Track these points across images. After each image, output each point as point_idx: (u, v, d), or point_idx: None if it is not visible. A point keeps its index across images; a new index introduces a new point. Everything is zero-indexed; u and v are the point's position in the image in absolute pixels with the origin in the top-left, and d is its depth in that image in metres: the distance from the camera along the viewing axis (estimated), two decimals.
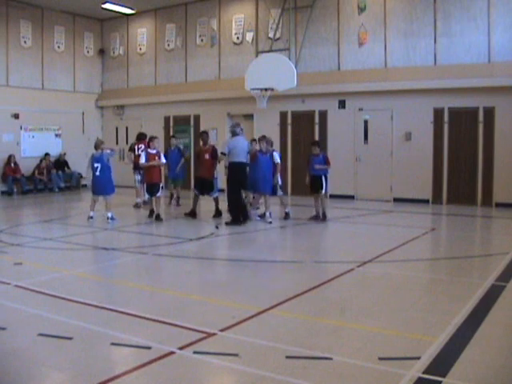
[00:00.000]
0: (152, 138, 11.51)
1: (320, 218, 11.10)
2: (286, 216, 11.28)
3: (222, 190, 13.10)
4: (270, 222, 10.74)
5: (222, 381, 4.04)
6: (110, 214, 10.99)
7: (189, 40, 17.73)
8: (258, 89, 14.27)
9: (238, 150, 10.69)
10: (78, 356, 4.22)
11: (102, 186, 11.02)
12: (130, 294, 6.19)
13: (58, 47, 18.36)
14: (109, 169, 11.10)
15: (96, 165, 10.94)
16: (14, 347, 4.37)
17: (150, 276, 7.23)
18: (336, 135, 15.10)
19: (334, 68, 15.09)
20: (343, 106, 15.08)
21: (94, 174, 11.12)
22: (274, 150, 11.38)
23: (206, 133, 12.29)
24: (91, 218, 11.10)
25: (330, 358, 4.09)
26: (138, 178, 13.36)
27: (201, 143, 12.19)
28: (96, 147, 11.20)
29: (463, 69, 13.05)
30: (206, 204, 12.59)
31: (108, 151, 11.23)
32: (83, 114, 19.18)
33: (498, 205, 12.98)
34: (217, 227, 10.18)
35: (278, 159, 11.08)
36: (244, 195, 11.36)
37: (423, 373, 3.83)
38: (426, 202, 13.89)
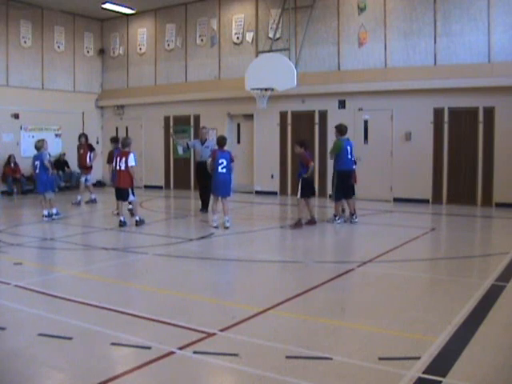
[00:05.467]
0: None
1: (314, 220, 10.63)
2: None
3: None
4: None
5: (222, 381, 4.04)
6: (54, 210, 11.35)
7: (189, 40, 17.73)
8: (258, 89, 14.27)
9: None
10: (78, 356, 4.22)
11: (41, 184, 11.39)
12: (130, 293, 6.19)
13: (58, 47, 18.36)
14: (46, 169, 11.32)
15: (36, 162, 11.26)
16: (14, 347, 4.37)
17: (150, 276, 7.22)
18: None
19: (334, 68, 15.09)
20: (343, 106, 15.08)
21: (34, 172, 11.55)
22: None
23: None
24: (45, 216, 11.26)
25: (330, 358, 4.09)
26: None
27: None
28: (37, 149, 11.36)
29: (463, 69, 13.05)
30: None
31: (46, 153, 11.55)
32: (83, 114, 19.18)
33: (497, 205, 12.97)
34: (216, 227, 10.17)
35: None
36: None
37: (423, 373, 3.83)
38: (426, 202, 13.88)
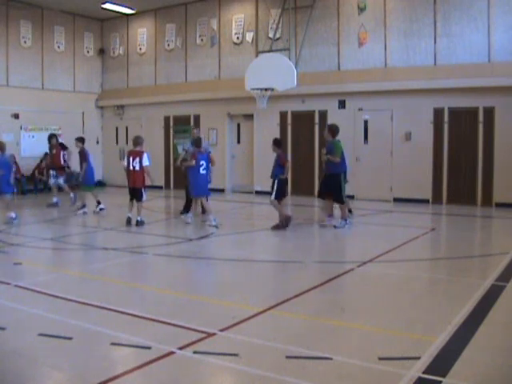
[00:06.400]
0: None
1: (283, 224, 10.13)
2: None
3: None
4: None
5: (222, 381, 4.04)
6: (12, 215, 10.90)
7: (189, 40, 17.72)
8: (258, 89, 14.26)
9: None
10: (77, 356, 4.22)
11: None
12: (130, 293, 6.19)
13: (58, 47, 18.36)
14: (8, 170, 11.19)
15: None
16: (14, 347, 4.37)
17: (150, 276, 7.23)
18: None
19: (334, 68, 15.08)
20: (343, 106, 15.08)
21: None
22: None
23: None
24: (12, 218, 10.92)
25: (330, 358, 4.09)
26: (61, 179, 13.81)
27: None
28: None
29: (463, 69, 13.05)
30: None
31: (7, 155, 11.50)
32: (83, 113, 19.18)
33: (497, 205, 12.97)
34: (217, 227, 10.17)
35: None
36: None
37: (423, 373, 3.83)
38: (426, 202, 13.88)
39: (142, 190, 10.56)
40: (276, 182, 10.04)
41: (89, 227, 10.74)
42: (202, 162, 10.44)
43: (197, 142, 10.81)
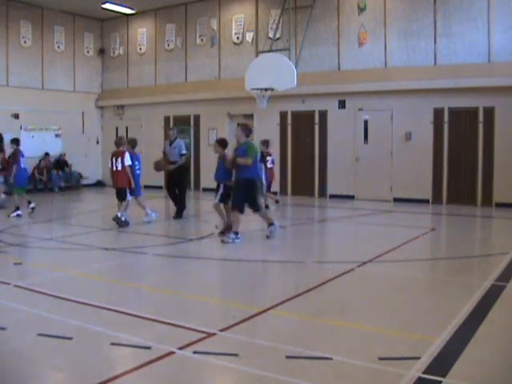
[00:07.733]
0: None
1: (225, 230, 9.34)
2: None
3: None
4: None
5: (222, 381, 4.04)
6: None
7: (189, 40, 17.74)
8: (258, 89, 14.26)
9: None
10: (77, 356, 4.22)
11: None
12: (130, 294, 6.19)
13: (58, 47, 18.37)
14: None
15: None
16: (14, 347, 4.37)
17: (150, 276, 7.23)
18: (336, 135, 15.11)
19: (334, 68, 15.09)
20: (343, 106, 15.08)
21: None
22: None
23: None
24: None
25: (330, 358, 4.09)
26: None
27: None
28: None
29: (463, 69, 13.05)
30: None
31: None
32: (83, 114, 19.19)
33: (497, 205, 12.98)
34: (216, 227, 10.16)
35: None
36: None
37: (423, 373, 3.82)
38: (426, 202, 13.89)
39: (127, 191, 10.48)
40: (222, 186, 9.32)
41: (88, 227, 10.74)
42: (136, 163, 10.82)
43: (132, 143, 11.05)
